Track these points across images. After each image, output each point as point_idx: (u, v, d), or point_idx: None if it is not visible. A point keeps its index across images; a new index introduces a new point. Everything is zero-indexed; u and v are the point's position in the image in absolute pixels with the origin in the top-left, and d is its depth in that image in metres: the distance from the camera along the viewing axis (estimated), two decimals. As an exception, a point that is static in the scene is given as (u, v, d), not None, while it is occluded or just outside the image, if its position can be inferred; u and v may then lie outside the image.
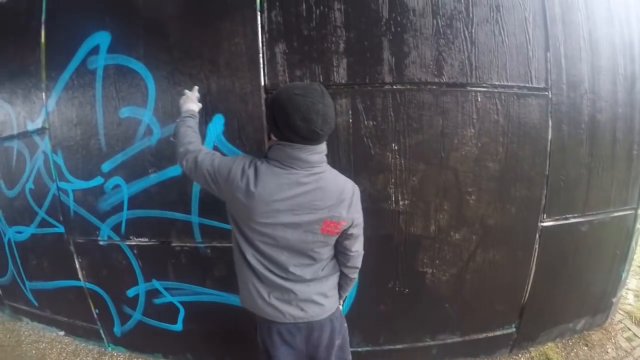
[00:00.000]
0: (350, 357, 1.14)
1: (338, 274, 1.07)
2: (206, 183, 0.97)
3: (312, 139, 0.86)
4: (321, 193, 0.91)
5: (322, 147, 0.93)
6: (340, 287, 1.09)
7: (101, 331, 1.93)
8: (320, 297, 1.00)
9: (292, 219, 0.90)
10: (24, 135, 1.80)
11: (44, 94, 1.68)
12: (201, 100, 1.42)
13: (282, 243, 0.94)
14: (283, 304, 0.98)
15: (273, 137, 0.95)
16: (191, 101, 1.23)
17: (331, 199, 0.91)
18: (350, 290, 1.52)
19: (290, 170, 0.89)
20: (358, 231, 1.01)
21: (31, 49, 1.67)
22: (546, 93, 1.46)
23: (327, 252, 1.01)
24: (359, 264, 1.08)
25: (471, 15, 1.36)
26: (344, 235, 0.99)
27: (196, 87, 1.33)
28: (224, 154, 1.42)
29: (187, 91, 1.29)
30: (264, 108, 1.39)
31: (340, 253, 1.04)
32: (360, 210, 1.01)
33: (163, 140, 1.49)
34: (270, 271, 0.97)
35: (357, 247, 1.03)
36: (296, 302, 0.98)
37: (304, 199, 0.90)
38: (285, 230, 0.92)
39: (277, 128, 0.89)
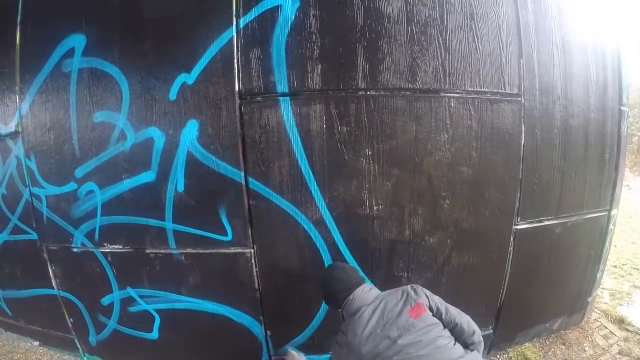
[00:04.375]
0: None
1: None
2: None
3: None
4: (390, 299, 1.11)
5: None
6: None
7: (76, 341, 1.89)
8: None
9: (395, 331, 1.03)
10: (-3, 139, 1.75)
11: (18, 97, 1.64)
12: (176, 106, 1.42)
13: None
14: None
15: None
16: None
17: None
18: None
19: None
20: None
21: (6, 51, 1.63)
22: (519, 99, 1.49)
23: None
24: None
25: (446, 22, 1.38)
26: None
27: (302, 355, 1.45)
28: (198, 160, 1.43)
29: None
30: (238, 114, 1.38)
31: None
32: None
33: (137, 146, 1.47)
34: None
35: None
36: None
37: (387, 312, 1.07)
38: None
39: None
